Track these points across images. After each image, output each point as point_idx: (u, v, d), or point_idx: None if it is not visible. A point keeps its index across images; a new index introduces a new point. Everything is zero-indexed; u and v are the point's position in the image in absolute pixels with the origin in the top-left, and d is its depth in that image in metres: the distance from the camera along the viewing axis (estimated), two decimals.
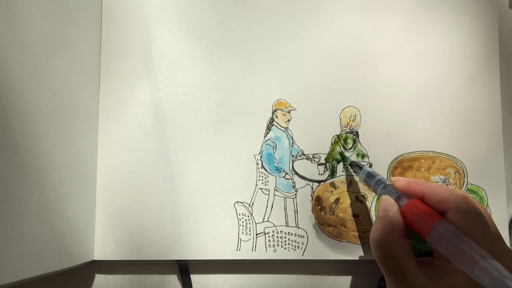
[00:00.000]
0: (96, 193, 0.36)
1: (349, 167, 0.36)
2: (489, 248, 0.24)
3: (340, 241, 0.36)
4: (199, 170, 0.37)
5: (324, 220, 0.36)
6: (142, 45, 0.38)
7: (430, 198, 0.28)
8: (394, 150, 0.37)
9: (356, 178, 0.37)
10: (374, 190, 0.32)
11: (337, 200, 0.37)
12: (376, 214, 0.36)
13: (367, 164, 0.37)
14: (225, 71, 0.38)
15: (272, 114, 0.37)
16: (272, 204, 0.36)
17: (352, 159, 0.36)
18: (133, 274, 0.37)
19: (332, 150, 0.37)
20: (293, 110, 0.37)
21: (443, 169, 0.37)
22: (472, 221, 0.26)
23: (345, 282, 0.37)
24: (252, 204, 0.36)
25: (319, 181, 0.37)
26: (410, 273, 0.26)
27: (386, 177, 0.36)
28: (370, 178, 0.33)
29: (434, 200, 0.27)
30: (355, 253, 0.36)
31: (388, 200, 0.29)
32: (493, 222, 0.29)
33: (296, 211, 0.36)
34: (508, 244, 0.36)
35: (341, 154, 0.37)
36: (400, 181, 0.30)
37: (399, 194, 0.29)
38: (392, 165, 0.37)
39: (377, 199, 0.37)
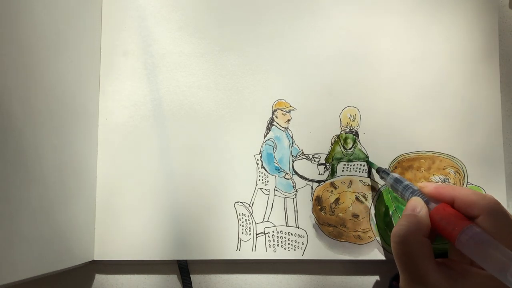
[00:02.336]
0: (96, 193, 0.36)
1: (376, 173, 0.36)
2: None
3: (340, 241, 0.36)
4: (199, 170, 0.37)
5: (324, 220, 0.36)
6: (142, 45, 0.38)
7: (460, 202, 0.28)
8: (394, 150, 0.37)
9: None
10: (402, 196, 0.32)
11: (337, 200, 0.37)
12: (376, 215, 0.36)
13: (367, 164, 0.37)
14: (225, 71, 0.38)
15: (272, 114, 0.37)
16: (272, 204, 0.36)
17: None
18: (133, 274, 0.37)
19: (332, 150, 0.37)
20: (293, 110, 0.37)
21: (443, 169, 0.37)
22: (502, 227, 0.26)
23: (345, 282, 0.37)
24: (252, 204, 0.36)
25: (319, 181, 0.37)
26: (428, 273, 0.26)
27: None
28: (398, 184, 0.32)
29: (464, 204, 0.27)
30: (355, 253, 0.36)
31: (418, 201, 0.29)
32: None
33: (296, 211, 0.36)
34: None
35: (367, 161, 0.36)
36: (428, 186, 0.30)
37: (427, 199, 0.29)
38: (392, 165, 0.37)
39: (378, 199, 0.37)
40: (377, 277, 0.37)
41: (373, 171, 0.36)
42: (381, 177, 0.35)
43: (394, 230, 0.28)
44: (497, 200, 0.27)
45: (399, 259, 0.28)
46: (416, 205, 0.29)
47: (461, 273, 0.26)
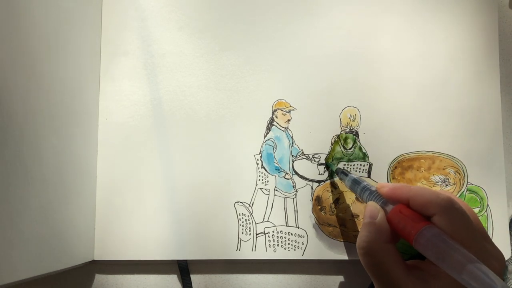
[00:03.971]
0: (96, 193, 0.36)
1: (336, 174, 0.36)
2: (476, 250, 0.24)
3: (340, 241, 0.36)
4: (199, 170, 0.37)
5: (324, 220, 0.36)
6: (142, 45, 0.38)
7: (414, 202, 0.27)
8: (394, 150, 0.37)
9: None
10: (360, 197, 0.32)
11: (337, 200, 0.37)
12: None
13: (367, 164, 0.37)
14: (225, 71, 0.38)
15: (272, 114, 0.37)
16: (272, 204, 0.36)
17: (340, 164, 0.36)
18: (133, 274, 0.37)
19: (332, 150, 0.37)
20: (293, 110, 0.37)
21: (443, 169, 0.37)
22: (458, 224, 0.25)
23: (345, 282, 0.37)
24: (252, 204, 0.36)
25: (319, 181, 0.37)
26: (399, 279, 0.26)
27: (374, 184, 0.35)
28: (356, 185, 0.32)
29: (419, 204, 0.27)
30: (355, 253, 0.36)
31: (374, 206, 0.29)
32: (480, 222, 0.29)
33: (296, 211, 0.36)
34: (508, 243, 0.36)
35: (327, 162, 0.36)
36: (385, 187, 0.30)
37: (385, 200, 0.29)
38: (392, 165, 0.37)
39: None
40: None
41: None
42: (340, 178, 0.35)
43: (357, 242, 0.28)
44: (451, 197, 0.27)
45: (368, 270, 0.27)
46: (373, 211, 0.29)
47: (432, 274, 0.26)
